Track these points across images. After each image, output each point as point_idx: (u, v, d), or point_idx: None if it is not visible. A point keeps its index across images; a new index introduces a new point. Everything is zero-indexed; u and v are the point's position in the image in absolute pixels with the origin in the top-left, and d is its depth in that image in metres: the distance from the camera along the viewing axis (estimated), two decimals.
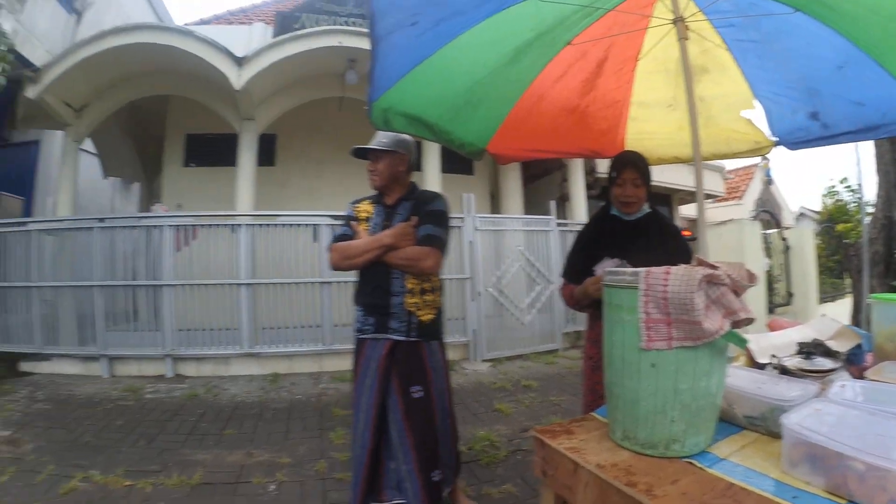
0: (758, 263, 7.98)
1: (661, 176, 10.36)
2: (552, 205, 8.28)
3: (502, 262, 7.49)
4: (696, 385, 1.36)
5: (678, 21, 2.31)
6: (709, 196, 14.15)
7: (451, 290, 6.58)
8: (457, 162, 8.91)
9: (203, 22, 12.25)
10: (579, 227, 3.22)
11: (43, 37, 8.57)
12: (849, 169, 38.76)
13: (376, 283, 2.58)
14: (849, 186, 18.78)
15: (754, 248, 8.06)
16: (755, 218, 11.50)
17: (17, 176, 9.89)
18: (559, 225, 8.07)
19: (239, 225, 6.58)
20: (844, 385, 1.52)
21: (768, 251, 9.53)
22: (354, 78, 8.15)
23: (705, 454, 1.37)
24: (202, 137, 9.88)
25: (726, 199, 17.76)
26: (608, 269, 1.62)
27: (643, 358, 1.39)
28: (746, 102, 2.81)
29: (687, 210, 14.69)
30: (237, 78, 7.63)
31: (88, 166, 10.77)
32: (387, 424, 2.52)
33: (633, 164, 2.39)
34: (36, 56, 8.05)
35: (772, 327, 2.45)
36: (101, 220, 6.61)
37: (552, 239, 7.88)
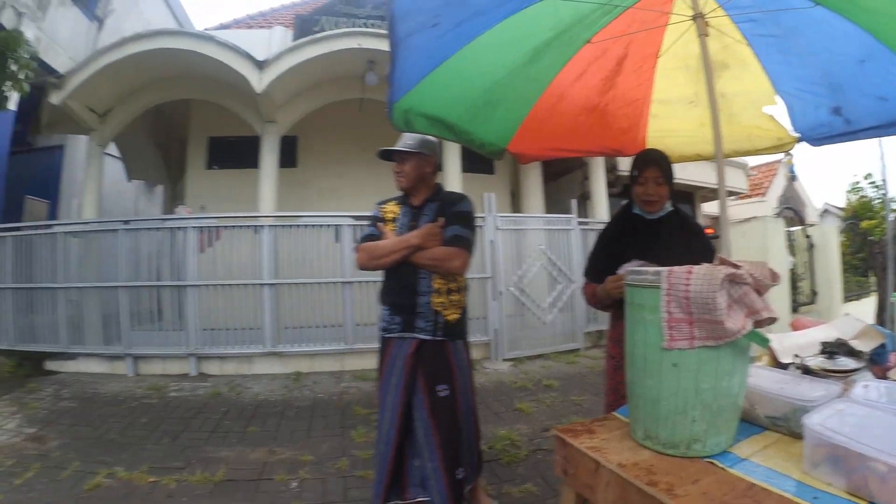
0: (782, 261, 7.85)
1: (684, 173, 10.25)
2: (573, 203, 8.22)
3: (523, 262, 7.46)
4: (717, 385, 1.36)
5: (698, 17, 2.29)
6: (731, 193, 13.99)
7: (473, 289, 6.52)
8: (477, 161, 8.91)
9: (223, 26, 12.42)
10: (601, 226, 3.21)
11: (65, 44, 8.73)
12: (873, 164, 38.02)
13: (403, 283, 2.60)
14: (873, 182, 18.49)
15: (778, 246, 7.94)
16: (779, 215, 11.32)
17: (42, 180, 10.11)
18: (580, 224, 8.01)
19: (262, 226, 6.63)
20: (867, 385, 1.51)
21: (792, 249, 9.40)
22: (374, 79, 8.19)
23: (727, 454, 1.37)
24: (224, 140, 9.99)
25: (749, 196, 17.49)
26: (630, 268, 1.62)
27: (665, 357, 1.39)
28: (768, 98, 2.77)
29: (710, 207, 14.53)
30: (258, 81, 7.72)
31: (112, 169, 10.98)
32: (412, 423, 2.54)
33: (655, 163, 2.37)
34: (59, 63, 8.21)
35: (795, 326, 2.42)
36: (126, 222, 6.72)
37: (573, 238, 7.82)
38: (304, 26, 10.00)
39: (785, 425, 1.44)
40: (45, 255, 6.79)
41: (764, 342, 1.39)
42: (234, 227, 6.80)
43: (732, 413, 1.40)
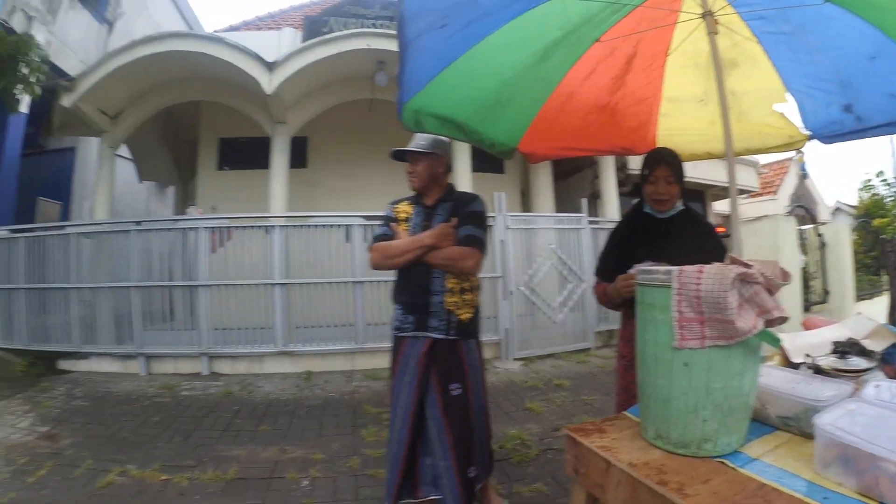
0: (793, 260, 7.79)
1: (694, 172, 10.20)
2: (584, 202, 8.20)
3: (534, 261, 7.44)
4: (728, 384, 1.36)
5: (707, 15, 2.28)
6: (743, 191, 13.89)
7: (483, 288, 6.44)
8: (487, 161, 8.90)
9: (232, 28, 12.48)
10: (611, 225, 3.20)
11: (76, 47, 8.82)
12: (884, 162, 37.72)
13: (417, 282, 2.61)
14: (885, 180, 18.30)
15: (790, 245, 7.87)
16: (790, 213, 11.23)
17: (55, 182, 10.22)
18: (591, 223, 7.98)
19: (273, 226, 6.66)
20: (879, 385, 1.49)
21: (804, 248, 9.31)
22: (384, 80, 8.21)
23: (737, 454, 1.36)
24: (235, 141, 10.06)
25: (760, 195, 17.35)
26: (641, 267, 1.62)
27: (676, 357, 1.39)
28: (779, 96, 2.76)
29: (721, 206, 14.45)
30: (268, 82, 7.76)
31: (124, 171, 11.08)
32: (424, 421, 2.55)
33: (665, 161, 2.37)
34: (69, 66, 8.30)
35: (807, 326, 2.41)
36: (138, 223, 6.76)
37: (584, 237, 7.80)
38: (313, 27, 10.05)
39: (796, 425, 1.44)
40: (57, 255, 6.85)
41: (775, 342, 1.39)
42: (245, 227, 6.83)
43: (743, 413, 1.40)
